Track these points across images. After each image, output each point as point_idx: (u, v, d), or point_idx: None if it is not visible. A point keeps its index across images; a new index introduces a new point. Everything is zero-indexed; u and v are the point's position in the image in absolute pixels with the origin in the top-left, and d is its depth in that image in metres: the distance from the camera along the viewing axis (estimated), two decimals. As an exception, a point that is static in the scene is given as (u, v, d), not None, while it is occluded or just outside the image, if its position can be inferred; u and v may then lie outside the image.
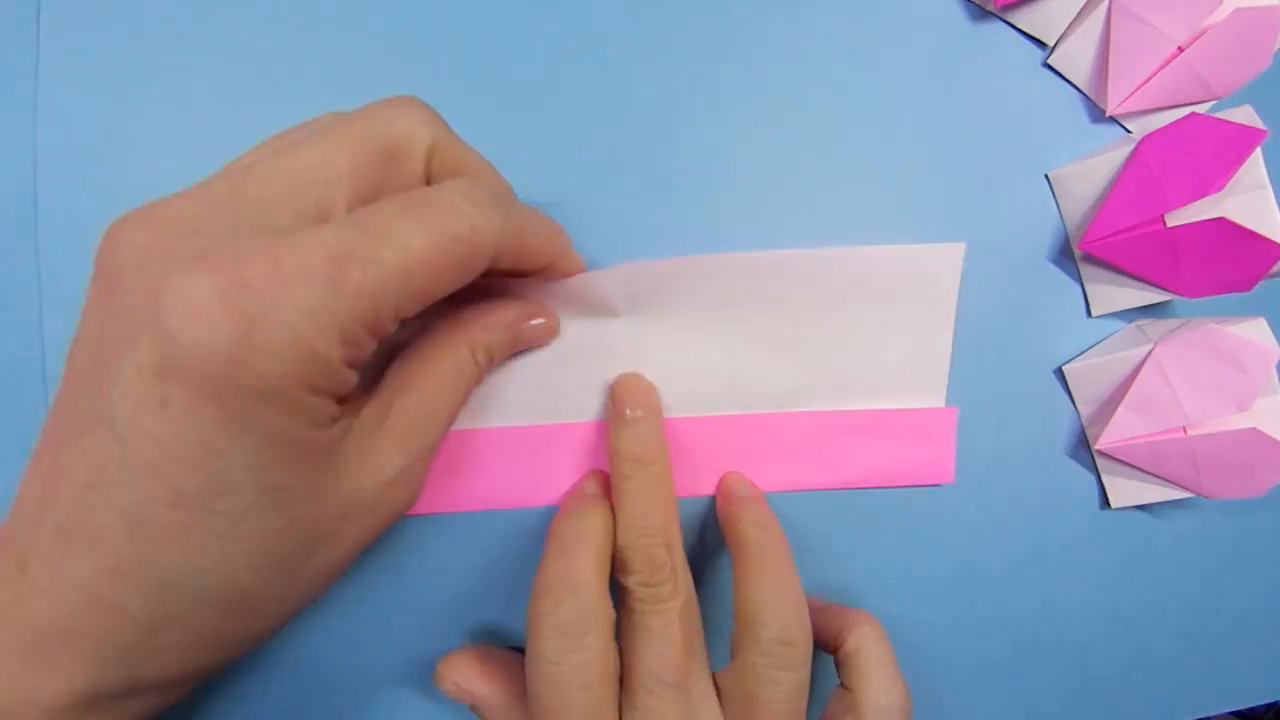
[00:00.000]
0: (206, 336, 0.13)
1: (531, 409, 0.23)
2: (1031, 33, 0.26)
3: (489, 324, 0.20)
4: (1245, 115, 0.24)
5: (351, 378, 0.16)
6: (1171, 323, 0.25)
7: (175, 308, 0.13)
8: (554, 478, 0.24)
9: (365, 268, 0.14)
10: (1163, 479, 0.26)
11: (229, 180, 0.15)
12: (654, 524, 0.20)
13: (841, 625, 0.22)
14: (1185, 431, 0.24)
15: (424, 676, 0.24)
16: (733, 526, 0.22)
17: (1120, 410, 0.25)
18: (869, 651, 0.22)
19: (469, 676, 0.22)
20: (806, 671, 0.20)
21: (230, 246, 0.14)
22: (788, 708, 0.20)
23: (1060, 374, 0.27)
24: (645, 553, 0.20)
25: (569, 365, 0.23)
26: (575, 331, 0.23)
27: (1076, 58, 0.26)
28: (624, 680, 0.19)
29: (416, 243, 0.15)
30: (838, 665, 0.22)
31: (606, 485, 0.23)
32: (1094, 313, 0.26)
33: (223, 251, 0.14)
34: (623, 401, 0.22)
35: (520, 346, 0.22)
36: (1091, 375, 0.26)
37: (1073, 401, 0.27)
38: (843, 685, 0.22)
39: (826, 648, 0.23)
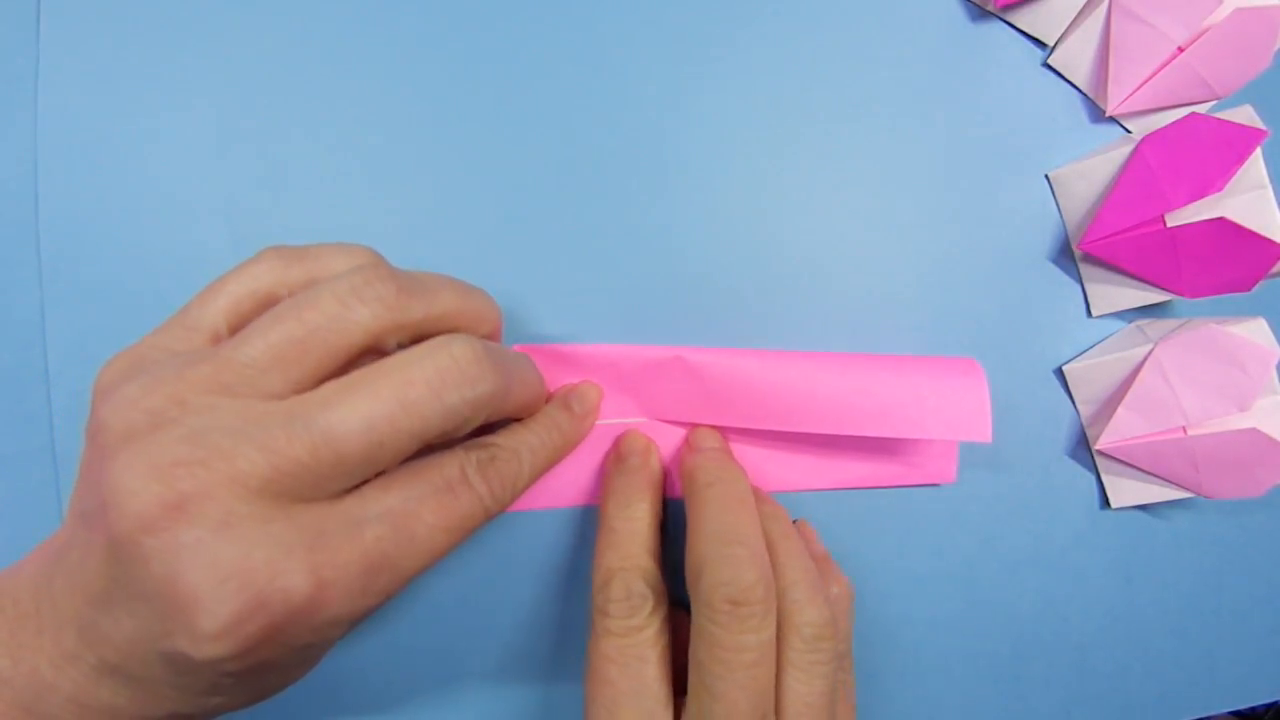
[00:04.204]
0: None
1: None
2: (1031, 33, 0.26)
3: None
4: (1245, 115, 0.24)
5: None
6: (1171, 323, 0.25)
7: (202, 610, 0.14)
8: (546, 480, 0.24)
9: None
10: (1163, 479, 0.26)
11: (214, 362, 0.15)
12: (744, 534, 0.20)
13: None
14: (1185, 431, 0.24)
15: (447, 675, 0.24)
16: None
17: (1120, 410, 0.25)
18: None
19: None
20: (768, 634, 0.18)
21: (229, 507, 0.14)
22: (830, 701, 0.19)
23: (1060, 374, 0.27)
24: (732, 568, 0.19)
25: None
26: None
27: (1076, 58, 0.26)
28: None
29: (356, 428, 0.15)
30: None
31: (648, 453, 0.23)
32: (1094, 313, 0.26)
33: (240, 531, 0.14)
34: (696, 439, 0.23)
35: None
36: (1091, 375, 0.26)
37: (1073, 401, 0.27)
38: None
39: None
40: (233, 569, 0.14)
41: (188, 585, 0.13)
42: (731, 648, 0.18)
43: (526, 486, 0.19)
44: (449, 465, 0.17)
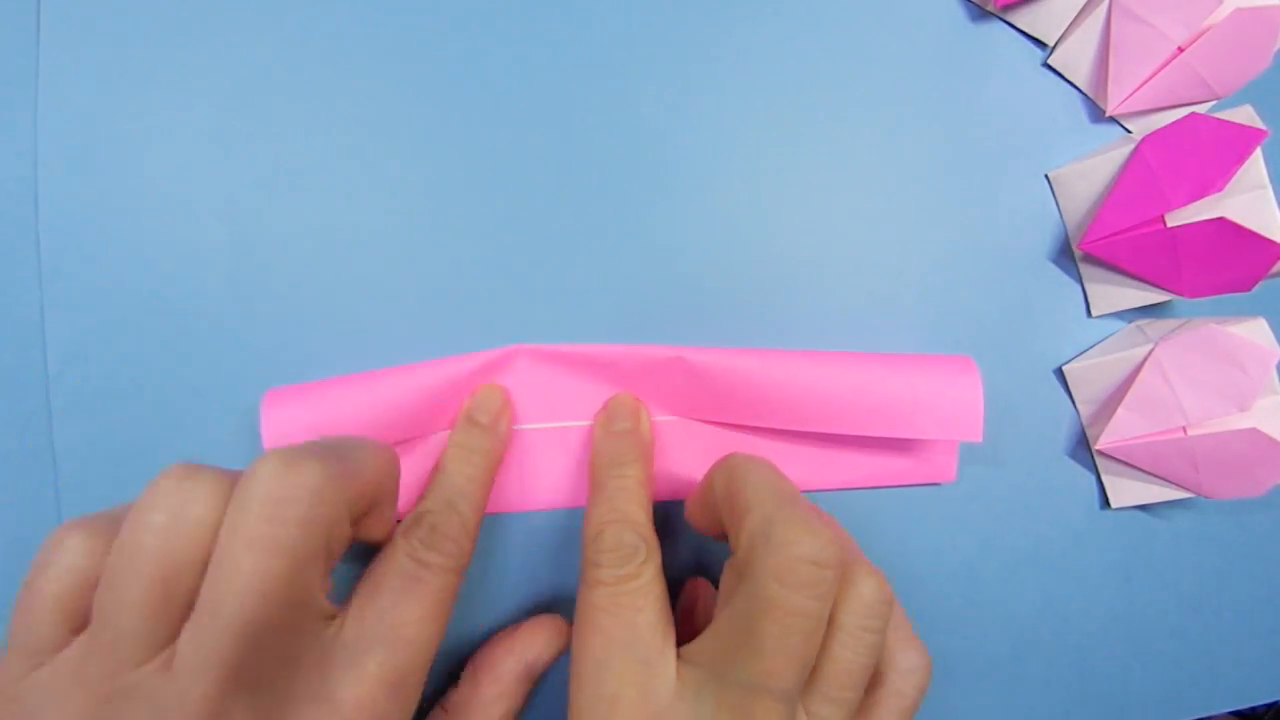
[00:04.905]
0: None
1: (529, 413, 0.23)
2: (1031, 33, 0.26)
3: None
4: (1245, 115, 0.24)
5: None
6: (1171, 323, 0.25)
7: None
8: (546, 480, 0.24)
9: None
10: (1163, 479, 0.26)
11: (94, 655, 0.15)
12: (789, 491, 0.19)
13: None
14: (1185, 431, 0.24)
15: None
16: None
17: (1120, 410, 0.25)
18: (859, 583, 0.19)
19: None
20: (830, 604, 0.17)
21: None
22: (867, 675, 0.18)
23: (1060, 374, 0.27)
24: (812, 538, 0.17)
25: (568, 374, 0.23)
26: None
27: (1076, 58, 0.26)
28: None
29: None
30: None
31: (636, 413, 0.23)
32: (1094, 313, 0.26)
33: None
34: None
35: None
36: (1091, 375, 0.26)
37: (1073, 401, 0.27)
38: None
39: None
40: None
41: None
42: (797, 613, 0.16)
43: (479, 522, 0.19)
44: (398, 559, 0.17)
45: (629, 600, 0.18)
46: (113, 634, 0.14)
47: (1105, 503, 0.27)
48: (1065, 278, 0.26)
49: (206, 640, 0.14)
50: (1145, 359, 0.24)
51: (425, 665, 0.17)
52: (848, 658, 0.18)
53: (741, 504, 0.18)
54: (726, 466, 0.20)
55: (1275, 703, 0.31)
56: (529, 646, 0.22)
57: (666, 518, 0.24)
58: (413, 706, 0.16)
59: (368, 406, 0.21)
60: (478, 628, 0.24)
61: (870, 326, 0.25)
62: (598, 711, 0.17)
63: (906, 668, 0.20)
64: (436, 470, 0.20)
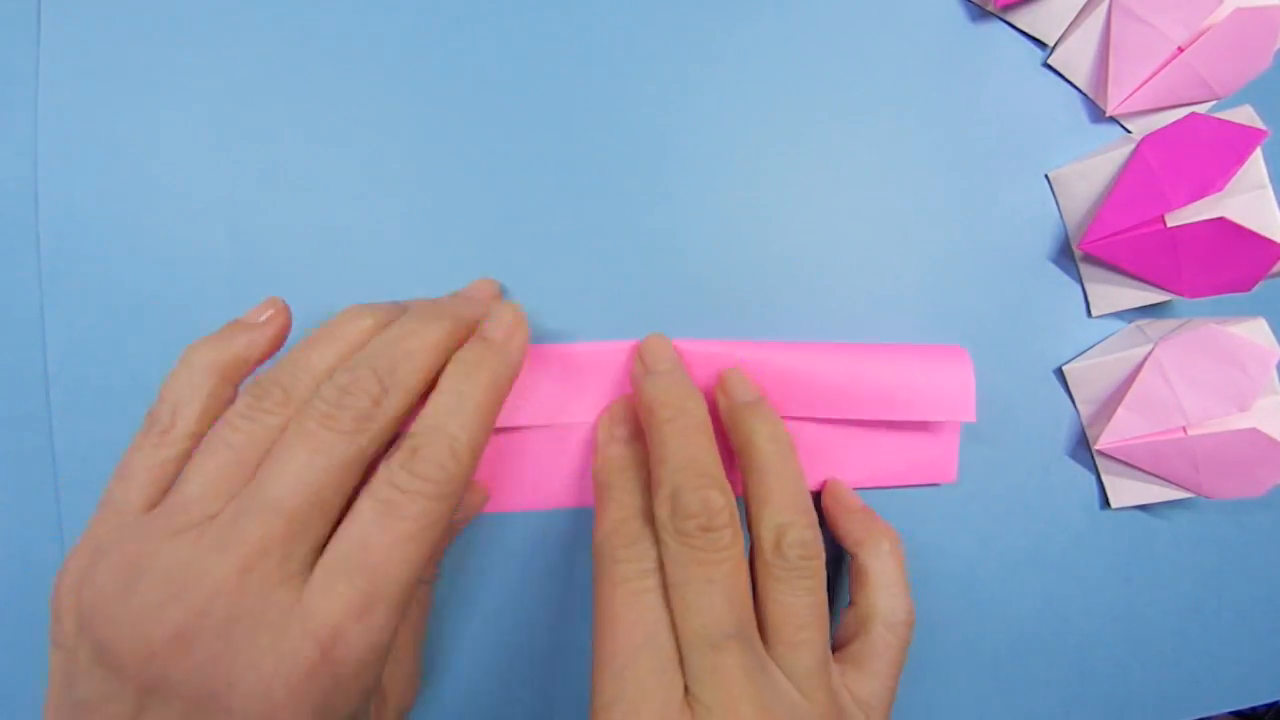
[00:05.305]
0: None
1: (529, 413, 0.23)
2: (1031, 33, 0.26)
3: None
4: (1245, 115, 0.24)
5: None
6: (1171, 323, 0.25)
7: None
8: (545, 480, 0.24)
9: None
10: (1163, 479, 0.26)
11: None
12: (706, 465, 0.19)
13: (862, 536, 0.23)
14: (1185, 431, 0.24)
15: (445, 674, 0.24)
16: (744, 436, 0.21)
17: (1120, 410, 0.25)
18: (880, 569, 0.22)
19: None
20: (739, 549, 0.19)
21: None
22: (817, 616, 0.20)
23: (1060, 374, 0.27)
24: (700, 494, 0.19)
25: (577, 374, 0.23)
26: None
27: (1076, 58, 0.26)
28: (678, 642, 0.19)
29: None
30: (850, 573, 0.23)
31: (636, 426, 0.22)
32: (1094, 313, 0.26)
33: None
34: (650, 358, 0.22)
35: None
36: (1091, 375, 0.26)
37: (1073, 401, 0.27)
38: (851, 598, 0.23)
39: (844, 549, 0.23)
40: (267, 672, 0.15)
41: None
42: (707, 562, 0.18)
43: (477, 446, 0.18)
44: (377, 484, 0.17)
45: (648, 599, 0.19)
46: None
47: (1105, 503, 0.27)
48: (1065, 278, 0.26)
49: (347, 582, 0.16)
50: (1145, 359, 0.24)
51: (397, 594, 0.16)
52: (788, 602, 0.19)
53: (654, 462, 0.20)
54: (646, 402, 0.21)
55: (1275, 703, 0.31)
56: None
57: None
58: (385, 633, 0.16)
59: None
60: (475, 628, 0.24)
61: (870, 326, 0.25)
62: (619, 714, 0.18)
63: (892, 620, 0.22)
64: (432, 393, 0.18)
